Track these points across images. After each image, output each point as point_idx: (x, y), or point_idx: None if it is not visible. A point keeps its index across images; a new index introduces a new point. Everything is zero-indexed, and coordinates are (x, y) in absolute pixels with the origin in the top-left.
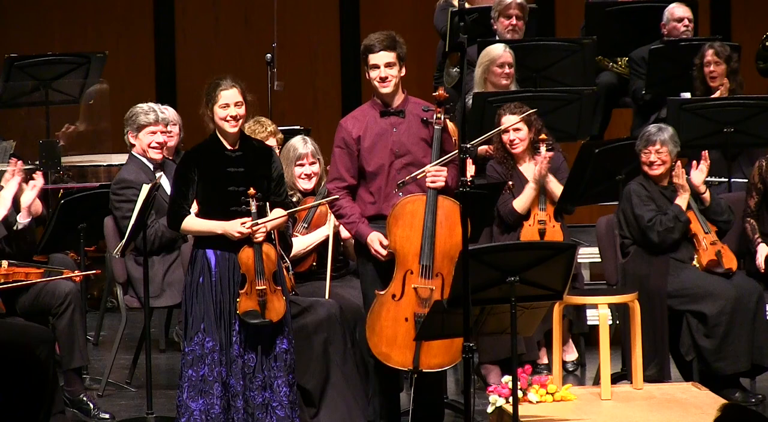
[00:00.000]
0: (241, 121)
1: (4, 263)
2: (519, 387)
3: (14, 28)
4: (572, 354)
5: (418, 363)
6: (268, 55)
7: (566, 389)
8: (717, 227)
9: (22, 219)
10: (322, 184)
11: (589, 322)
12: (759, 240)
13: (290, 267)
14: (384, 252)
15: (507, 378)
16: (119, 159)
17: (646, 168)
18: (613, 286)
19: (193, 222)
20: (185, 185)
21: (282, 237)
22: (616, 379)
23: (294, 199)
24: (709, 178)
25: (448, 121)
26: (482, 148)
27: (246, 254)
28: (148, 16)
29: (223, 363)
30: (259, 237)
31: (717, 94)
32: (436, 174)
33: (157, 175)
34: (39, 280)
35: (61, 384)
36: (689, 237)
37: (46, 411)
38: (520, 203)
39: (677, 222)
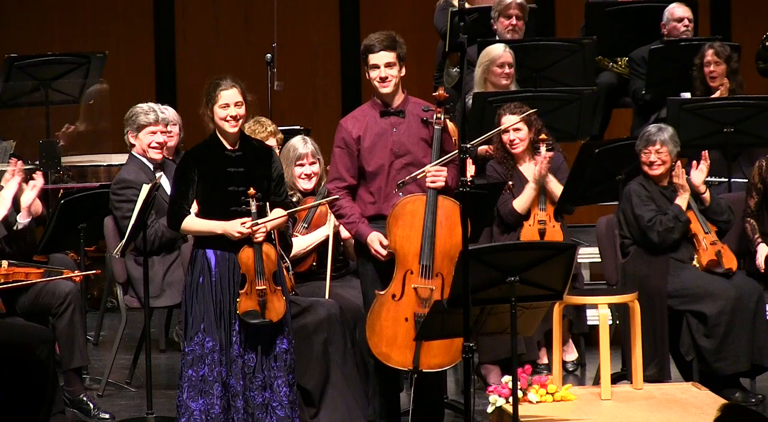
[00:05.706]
0: (241, 121)
1: (4, 263)
2: (519, 387)
3: (14, 28)
4: (572, 354)
5: (418, 363)
6: (268, 55)
7: (566, 389)
8: (717, 227)
9: (22, 219)
10: (322, 184)
11: (589, 322)
12: (759, 240)
13: (290, 267)
14: (384, 252)
15: (507, 378)
16: (119, 159)
17: (646, 168)
18: (613, 286)
19: (193, 222)
20: (185, 185)
21: (282, 237)
22: (616, 379)
23: (294, 199)
24: (709, 178)
25: (448, 121)
26: (482, 148)
27: (246, 254)
28: (148, 16)
29: (223, 363)
30: (259, 237)
31: (717, 94)
32: (436, 174)
33: (157, 175)
34: (39, 280)
35: (61, 384)
36: (689, 237)
37: (46, 411)
38: (520, 203)
39: (677, 222)
